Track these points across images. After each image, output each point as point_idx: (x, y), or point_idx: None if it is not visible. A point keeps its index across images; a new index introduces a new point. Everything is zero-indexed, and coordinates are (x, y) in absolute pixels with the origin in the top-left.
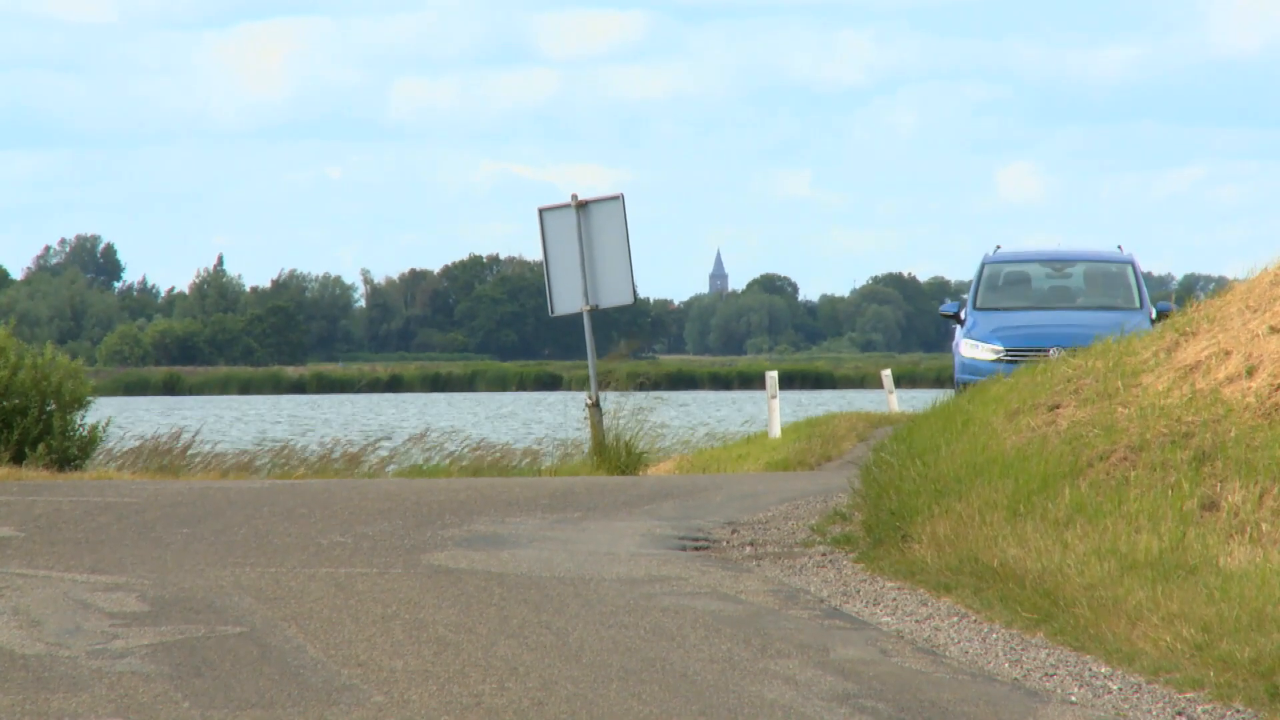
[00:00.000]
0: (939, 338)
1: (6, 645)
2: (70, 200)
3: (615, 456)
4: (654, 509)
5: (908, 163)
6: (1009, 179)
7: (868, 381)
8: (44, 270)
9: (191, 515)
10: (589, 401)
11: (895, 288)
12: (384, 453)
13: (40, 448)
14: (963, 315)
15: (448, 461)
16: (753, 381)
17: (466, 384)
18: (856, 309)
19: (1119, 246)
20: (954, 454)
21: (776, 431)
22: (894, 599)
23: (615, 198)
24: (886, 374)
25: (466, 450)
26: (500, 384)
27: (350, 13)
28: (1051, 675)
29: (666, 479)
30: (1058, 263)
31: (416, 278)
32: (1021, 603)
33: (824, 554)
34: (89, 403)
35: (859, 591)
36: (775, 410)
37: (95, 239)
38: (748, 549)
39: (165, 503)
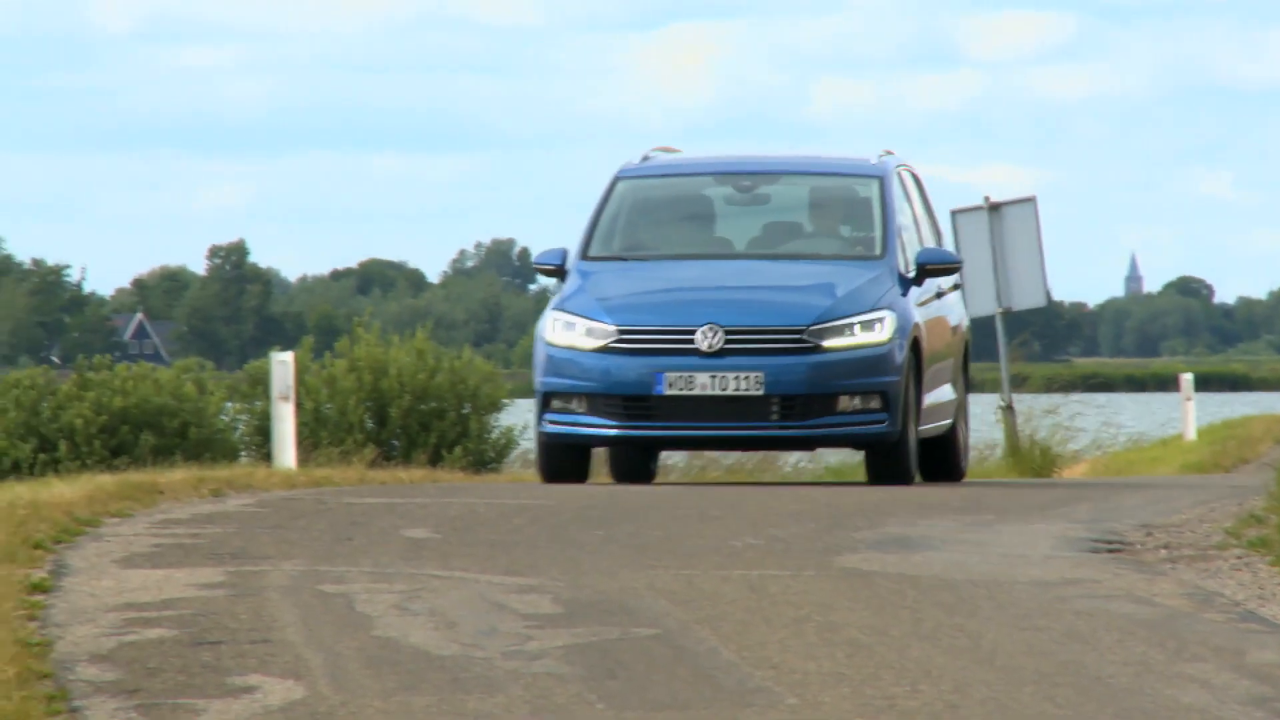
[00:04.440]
0: None
1: (423, 646)
2: (486, 203)
3: (1029, 459)
4: (1067, 511)
5: None
6: None
7: None
8: (460, 273)
9: (604, 517)
10: (1002, 404)
11: None
12: (795, 455)
13: (457, 450)
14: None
15: (858, 462)
16: (1167, 384)
17: None
18: (1274, 311)
19: (888, 151)
20: None
21: (1191, 434)
22: None
23: (1028, 200)
24: None
25: None
26: None
27: (773, 14)
28: None
29: (1080, 481)
30: (751, 176)
31: None
32: None
33: (1239, 557)
34: (505, 405)
35: (1275, 595)
36: (1190, 413)
37: (510, 242)
38: (1161, 552)
39: (578, 505)
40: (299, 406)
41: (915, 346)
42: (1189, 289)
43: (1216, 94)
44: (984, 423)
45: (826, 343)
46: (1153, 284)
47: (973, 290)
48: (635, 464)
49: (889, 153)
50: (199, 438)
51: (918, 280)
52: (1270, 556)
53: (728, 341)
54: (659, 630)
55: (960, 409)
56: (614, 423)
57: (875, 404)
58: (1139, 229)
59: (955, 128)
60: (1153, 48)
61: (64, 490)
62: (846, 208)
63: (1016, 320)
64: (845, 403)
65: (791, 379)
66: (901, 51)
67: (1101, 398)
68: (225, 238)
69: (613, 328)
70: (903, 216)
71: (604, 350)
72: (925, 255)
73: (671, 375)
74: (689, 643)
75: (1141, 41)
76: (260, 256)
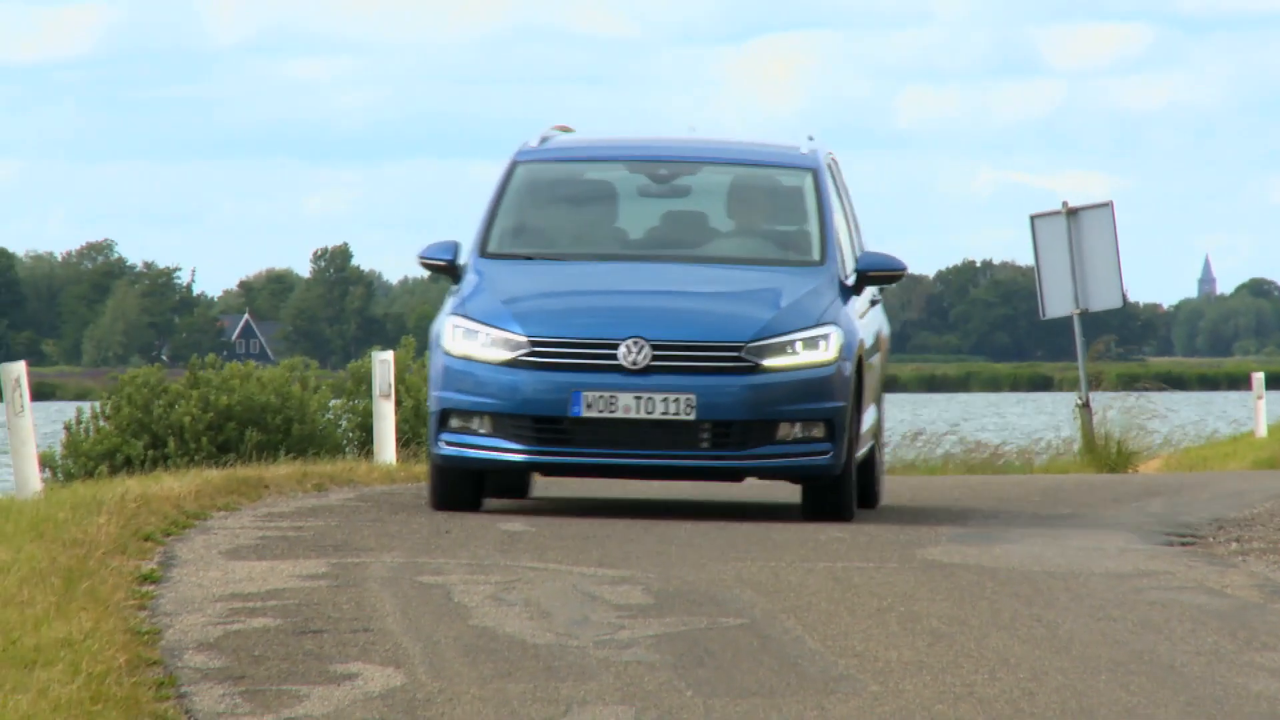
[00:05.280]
0: None
1: (518, 635)
2: None
3: (1105, 455)
4: (1141, 506)
5: None
6: None
7: None
8: None
9: (693, 511)
10: (1079, 402)
11: None
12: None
13: None
14: (462, 270)
15: (941, 459)
16: (1239, 383)
17: (960, 385)
18: None
19: (809, 137)
20: None
21: (1263, 431)
22: None
23: (1105, 205)
24: None
25: (960, 448)
26: (993, 384)
27: (861, 25)
28: None
29: (1154, 477)
30: (668, 165)
31: (912, 282)
32: None
33: None
34: None
35: None
36: (1261, 410)
37: None
38: (1233, 545)
39: (667, 499)
40: (399, 404)
41: (858, 366)
42: (1260, 290)
43: None
44: (1063, 420)
45: (767, 362)
46: (1225, 286)
47: (1051, 292)
48: (509, 479)
49: (809, 138)
50: (302, 434)
51: (857, 288)
52: None
53: (655, 358)
54: (746, 620)
55: (879, 429)
56: (522, 446)
57: (818, 433)
58: (1212, 233)
59: (1036, 136)
60: (1227, 58)
61: (173, 485)
62: (778, 204)
63: (1094, 321)
64: (785, 430)
65: (727, 402)
66: (984, 62)
67: (1175, 396)
68: (329, 241)
69: (523, 338)
70: (838, 215)
71: (513, 364)
72: (867, 261)
73: (590, 395)
74: (775, 632)
75: (1216, 52)
76: (363, 259)
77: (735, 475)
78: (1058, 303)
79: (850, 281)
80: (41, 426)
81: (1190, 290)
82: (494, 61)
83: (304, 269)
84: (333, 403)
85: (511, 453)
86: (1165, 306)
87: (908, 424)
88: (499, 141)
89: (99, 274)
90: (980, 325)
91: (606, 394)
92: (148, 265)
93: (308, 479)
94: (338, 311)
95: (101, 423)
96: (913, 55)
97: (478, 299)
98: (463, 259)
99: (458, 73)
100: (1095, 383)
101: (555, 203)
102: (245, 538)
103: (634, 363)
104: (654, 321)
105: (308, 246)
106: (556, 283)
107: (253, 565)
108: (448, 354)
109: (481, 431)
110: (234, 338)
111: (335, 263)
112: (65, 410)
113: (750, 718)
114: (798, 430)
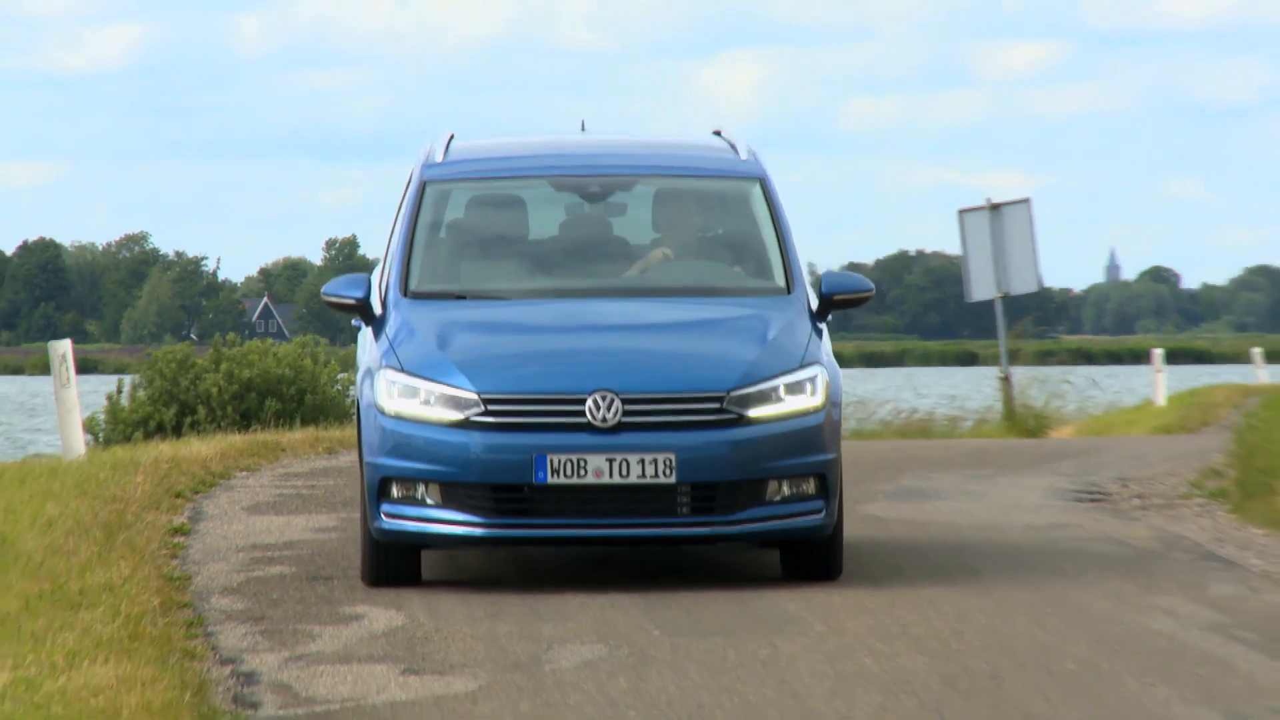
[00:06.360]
0: None
1: (506, 582)
2: None
3: (1023, 422)
4: (1055, 467)
5: None
6: None
7: (1241, 358)
8: None
9: None
10: (1000, 375)
11: (1264, 277)
12: None
13: None
14: (379, 311)
15: (879, 425)
16: (1141, 358)
17: (896, 360)
18: (1232, 295)
19: (717, 132)
20: None
21: (1161, 400)
22: (1262, 545)
23: (1024, 201)
24: (1257, 351)
25: (897, 416)
26: (925, 360)
27: (812, 42)
28: None
29: (1067, 441)
30: (599, 179)
31: (855, 269)
32: None
33: (1201, 505)
34: None
35: (1231, 538)
36: (1161, 382)
37: None
38: (1135, 501)
39: None
40: None
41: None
42: (1160, 276)
43: (1190, 111)
44: (985, 391)
45: (752, 412)
46: (1129, 272)
47: (976, 278)
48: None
49: (717, 133)
50: (314, 403)
51: (822, 315)
52: (1228, 505)
53: (626, 413)
54: (707, 568)
55: None
56: (478, 519)
57: (810, 488)
58: (1119, 225)
59: (964, 139)
60: (1137, 71)
61: (201, 448)
62: (727, 221)
63: (1014, 303)
64: (773, 489)
65: (711, 461)
66: (920, 73)
67: (1085, 369)
68: (340, 233)
69: (474, 395)
70: (789, 230)
71: (463, 425)
72: (833, 283)
73: (556, 458)
74: (733, 579)
75: (1128, 66)
76: (369, 248)
77: (717, 542)
78: (982, 287)
79: (814, 305)
80: (84, 396)
81: (1098, 276)
82: (488, 72)
83: (317, 257)
84: (340, 375)
85: (466, 525)
86: (1076, 290)
87: (852, 395)
88: None
89: (136, 262)
90: (914, 307)
91: (574, 456)
92: (179, 254)
93: (320, 443)
94: None
95: (140, 392)
96: (857, 68)
97: (410, 348)
98: (376, 297)
99: (456, 82)
100: (1015, 358)
101: (480, 229)
102: (265, 495)
103: (603, 420)
104: (622, 370)
105: (321, 237)
106: (501, 326)
107: (271, 519)
108: (383, 413)
109: (429, 502)
110: (254, 318)
111: (345, 251)
112: (106, 382)
113: (711, 655)
114: (786, 488)
